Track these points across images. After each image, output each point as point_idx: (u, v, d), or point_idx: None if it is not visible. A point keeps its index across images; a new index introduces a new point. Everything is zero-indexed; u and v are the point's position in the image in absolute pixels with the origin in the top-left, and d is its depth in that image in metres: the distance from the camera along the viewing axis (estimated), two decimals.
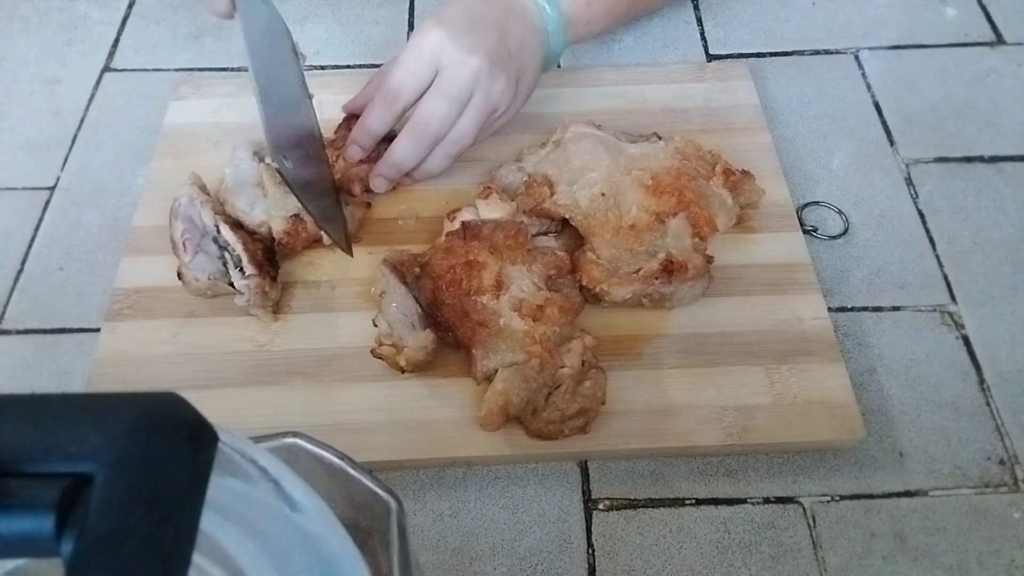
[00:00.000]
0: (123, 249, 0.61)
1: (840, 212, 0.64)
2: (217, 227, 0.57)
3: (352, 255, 0.59)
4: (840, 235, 0.63)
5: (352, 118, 0.63)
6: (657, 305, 0.57)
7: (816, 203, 0.65)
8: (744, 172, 0.61)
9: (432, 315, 0.54)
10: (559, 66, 0.73)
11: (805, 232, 0.62)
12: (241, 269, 0.56)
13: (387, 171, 0.61)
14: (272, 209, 0.59)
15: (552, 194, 0.59)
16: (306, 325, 0.57)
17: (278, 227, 0.58)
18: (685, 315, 0.57)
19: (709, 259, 0.57)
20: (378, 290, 0.54)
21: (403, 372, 0.52)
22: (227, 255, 0.57)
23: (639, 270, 0.56)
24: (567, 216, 0.59)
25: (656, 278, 0.55)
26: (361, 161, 0.62)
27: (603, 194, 0.59)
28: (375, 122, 0.60)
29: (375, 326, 0.54)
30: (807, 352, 0.55)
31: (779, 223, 0.62)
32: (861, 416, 0.52)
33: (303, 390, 0.54)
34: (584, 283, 0.56)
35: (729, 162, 0.61)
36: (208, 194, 0.59)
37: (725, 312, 0.57)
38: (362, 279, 0.59)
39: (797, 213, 0.63)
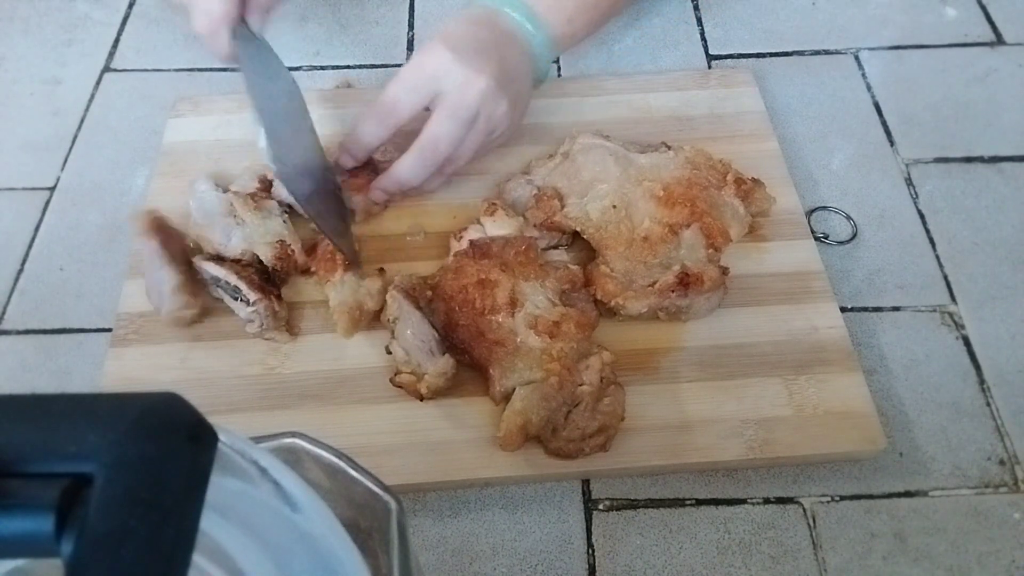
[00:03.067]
0: (126, 273, 0.60)
1: (848, 217, 0.64)
2: (197, 268, 0.56)
3: (360, 266, 0.58)
4: (849, 240, 0.63)
5: None
6: (673, 318, 0.56)
7: (824, 208, 0.65)
8: (754, 180, 0.61)
9: (447, 337, 0.54)
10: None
11: (816, 239, 0.62)
12: (241, 299, 0.55)
13: (389, 186, 0.60)
14: (254, 235, 0.57)
15: (562, 207, 0.59)
16: (316, 346, 0.56)
17: (267, 254, 0.57)
18: (701, 327, 0.57)
19: (724, 270, 0.56)
20: (391, 316, 0.54)
21: (422, 400, 0.52)
22: (221, 290, 0.56)
23: (654, 283, 0.55)
24: (579, 229, 0.58)
25: (672, 291, 0.54)
26: (353, 177, 0.61)
27: (614, 206, 0.58)
28: (368, 135, 0.59)
29: (388, 353, 0.53)
30: (824, 362, 0.55)
31: (791, 231, 0.61)
32: (881, 426, 0.52)
33: (316, 413, 0.53)
34: (599, 297, 0.55)
35: (739, 171, 0.61)
36: (169, 228, 0.57)
37: (741, 323, 0.57)
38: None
39: (806, 218, 0.63)
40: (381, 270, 0.57)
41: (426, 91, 0.57)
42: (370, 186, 0.61)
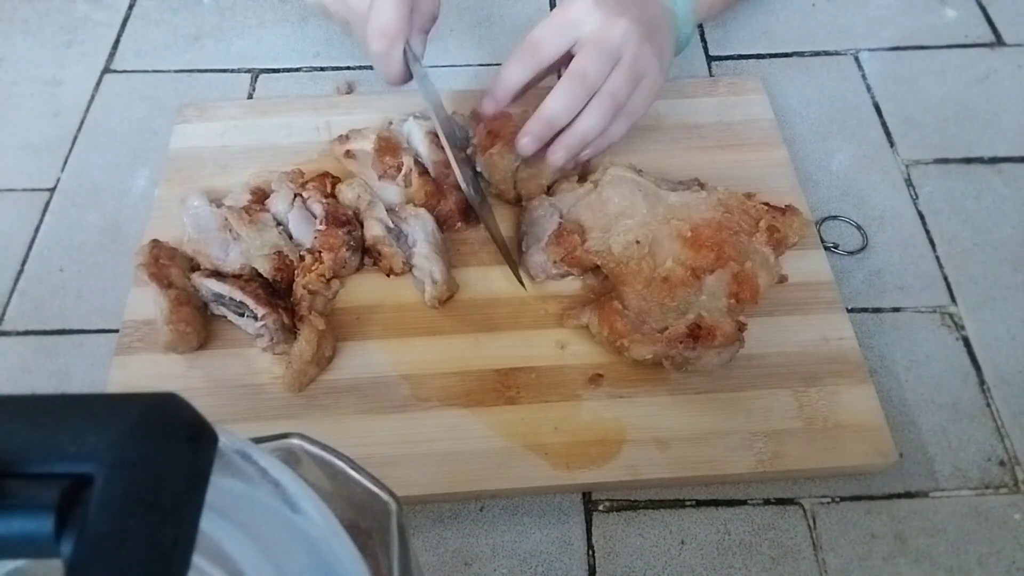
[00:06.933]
0: (128, 276, 0.59)
1: (859, 228, 0.64)
2: (197, 287, 0.56)
3: (525, 287, 0.59)
4: (859, 250, 0.63)
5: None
6: (679, 368, 0.54)
7: (834, 217, 0.65)
8: (789, 208, 0.59)
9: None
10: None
11: (826, 249, 0.61)
12: (248, 315, 0.54)
13: (538, 128, 0.59)
14: (251, 249, 0.57)
15: (584, 241, 0.58)
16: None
17: (265, 267, 0.56)
18: None
19: (741, 326, 0.53)
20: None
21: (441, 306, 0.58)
22: (224, 307, 0.55)
23: (665, 329, 0.53)
24: (599, 263, 0.57)
25: (680, 342, 0.52)
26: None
27: (638, 242, 0.56)
28: (513, 74, 0.59)
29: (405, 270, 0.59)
30: (835, 374, 0.54)
31: (801, 241, 0.60)
32: (892, 439, 0.52)
33: (321, 423, 0.53)
34: (606, 335, 0.54)
35: (776, 219, 0.58)
36: (167, 259, 0.57)
37: (751, 334, 0.55)
38: (378, 306, 0.58)
39: (817, 228, 0.63)
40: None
41: (570, 34, 0.58)
42: (516, 139, 0.60)
